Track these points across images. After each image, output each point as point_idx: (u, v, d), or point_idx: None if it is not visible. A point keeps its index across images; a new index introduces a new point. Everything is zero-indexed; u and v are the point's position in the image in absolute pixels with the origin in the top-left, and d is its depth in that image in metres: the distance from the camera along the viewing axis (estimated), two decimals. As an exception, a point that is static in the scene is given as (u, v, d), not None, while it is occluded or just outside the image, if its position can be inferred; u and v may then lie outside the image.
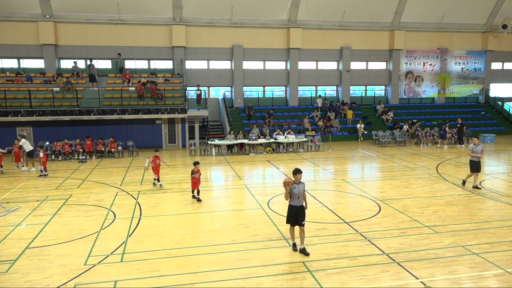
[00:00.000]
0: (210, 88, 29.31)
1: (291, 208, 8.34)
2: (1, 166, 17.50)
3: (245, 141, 22.06)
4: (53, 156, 20.44)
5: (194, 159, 20.57)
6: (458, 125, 24.46)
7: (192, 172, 12.46)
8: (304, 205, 8.39)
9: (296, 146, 23.45)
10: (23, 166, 18.30)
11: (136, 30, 26.72)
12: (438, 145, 23.93)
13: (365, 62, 31.21)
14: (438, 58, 31.76)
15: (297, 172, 8.27)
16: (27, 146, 18.24)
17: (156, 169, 14.18)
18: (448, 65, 32.08)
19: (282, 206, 11.80)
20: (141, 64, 27.66)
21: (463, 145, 23.91)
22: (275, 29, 28.76)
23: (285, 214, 8.57)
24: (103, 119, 22.28)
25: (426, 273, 7.39)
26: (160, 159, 14.37)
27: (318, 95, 30.36)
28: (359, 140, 27.00)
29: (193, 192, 12.75)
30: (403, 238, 9.09)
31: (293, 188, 8.18)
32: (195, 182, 12.48)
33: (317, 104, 29.51)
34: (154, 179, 14.43)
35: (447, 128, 24.45)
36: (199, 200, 12.42)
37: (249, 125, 26.44)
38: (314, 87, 30.94)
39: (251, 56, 28.93)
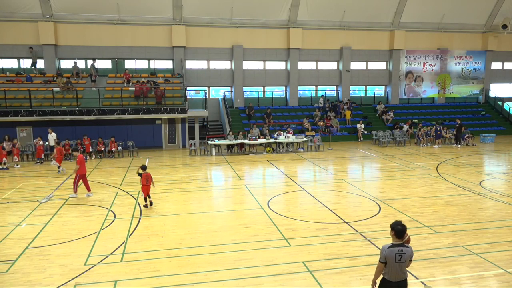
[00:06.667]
0: (210, 88, 29.31)
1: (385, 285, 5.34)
2: (4, 163, 17.86)
3: (245, 141, 22.05)
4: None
5: (194, 159, 20.65)
6: (457, 125, 24.44)
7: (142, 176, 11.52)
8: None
9: (296, 146, 23.45)
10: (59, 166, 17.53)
11: (136, 30, 26.71)
12: (436, 146, 23.89)
13: (365, 62, 31.19)
14: (438, 58, 31.75)
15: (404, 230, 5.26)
16: (52, 141, 19.62)
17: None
18: (448, 65, 32.06)
19: (282, 206, 11.83)
20: (141, 64, 27.66)
21: (459, 145, 23.94)
22: (275, 29, 28.75)
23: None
24: (103, 119, 22.27)
25: (426, 273, 7.39)
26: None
27: (321, 95, 30.35)
28: (359, 140, 26.99)
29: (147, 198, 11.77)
30: (403, 238, 9.07)
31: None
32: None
33: (320, 104, 29.45)
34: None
35: (443, 129, 24.56)
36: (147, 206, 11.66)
37: (249, 125, 26.43)
38: (314, 87, 30.93)
39: (251, 56, 28.91)
